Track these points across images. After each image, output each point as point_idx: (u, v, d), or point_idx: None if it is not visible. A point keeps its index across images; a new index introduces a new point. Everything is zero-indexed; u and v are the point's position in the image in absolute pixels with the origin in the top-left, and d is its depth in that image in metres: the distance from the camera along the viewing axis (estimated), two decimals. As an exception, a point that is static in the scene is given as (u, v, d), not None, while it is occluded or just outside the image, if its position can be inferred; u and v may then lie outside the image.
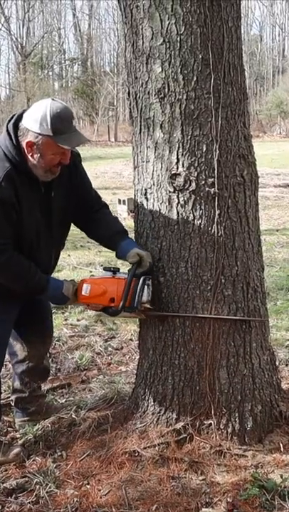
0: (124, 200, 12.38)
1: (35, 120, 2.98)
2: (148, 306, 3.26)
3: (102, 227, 3.48)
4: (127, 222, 9.99)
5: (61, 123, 2.98)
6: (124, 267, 3.43)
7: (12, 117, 3.11)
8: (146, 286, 3.21)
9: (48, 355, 4.42)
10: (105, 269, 3.36)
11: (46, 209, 3.22)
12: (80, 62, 59.75)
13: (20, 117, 3.08)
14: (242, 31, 3.35)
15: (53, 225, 3.29)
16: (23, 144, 3.03)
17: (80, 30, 63.72)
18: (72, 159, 3.21)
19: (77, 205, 3.39)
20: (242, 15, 3.39)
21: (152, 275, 3.29)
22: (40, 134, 2.98)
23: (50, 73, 60.26)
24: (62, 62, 60.77)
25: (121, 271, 3.32)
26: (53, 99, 3.05)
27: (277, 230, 11.20)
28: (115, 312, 3.23)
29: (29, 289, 3.25)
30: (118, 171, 23.25)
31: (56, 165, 3.10)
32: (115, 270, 3.30)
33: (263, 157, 23.84)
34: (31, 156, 3.04)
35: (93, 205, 3.49)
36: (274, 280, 7.44)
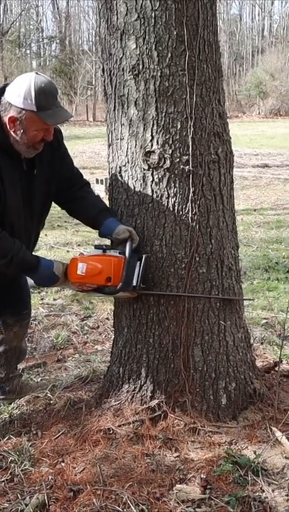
0: (101, 180, 12.35)
1: (18, 95, 2.90)
2: (142, 284, 3.23)
3: (86, 205, 3.43)
4: (105, 201, 9.98)
5: (46, 98, 2.91)
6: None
7: None
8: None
9: (26, 336, 4.41)
10: (96, 246, 3.27)
11: (28, 187, 3.16)
12: (58, 41, 59.13)
13: (1, 91, 3.00)
14: (221, 10, 3.35)
15: (35, 204, 3.23)
16: (5, 120, 2.96)
17: (58, 8, 62.89)
18: (55, 135, 3.15)
19: (60, 183, 3.34)
20: (219, -8, 3.35)
21: (148, 254, 3.25)
22: (23, 109, 2.90)
23: (28, 52, 59.61)
24: (40, 40, 60.12)
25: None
26: (37, 73, 2.96)
27: (255, 210, 11.23)
28: (113, 292, 3.17)
29: (15, 267, 3.11)
30: (96, 151, 23.13)
31: (39, 141, 3.03)
32: (107, 248, 3.22)
33: (241, 137, 23.99)
34: (14, 131, 2.96)
35: (75, 183, 3.45)
36: (251, 259, 7.48)
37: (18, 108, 2.91)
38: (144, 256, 3.18)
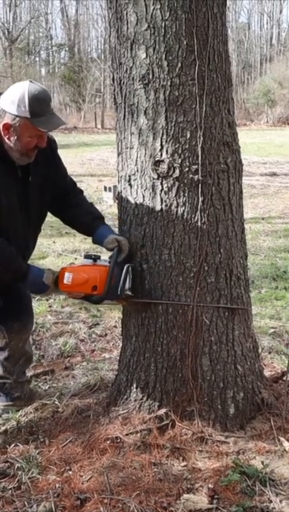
0: (110, 188, 12.35)
1: (12, 102, 2.97)
2: (129, 293, 3.28)
3: (81, 213, 3.53)
4: (113, 209, 9.97)
5: (39, 105, 2.98)
6: (103, 255, 3.44)
7: None
8: (128, 274, 3.24)
9: (32, 341, 4.41)
10: (86, 256, 3.36)
11: (24, 194, 3.22)
12: (67, 48, 59.42)
13: None
14: (230, 19, 3.36)
15: (31, 210, 3.30)
16: (0, 126, 3.02)
17: (67, 16, 63.31)
18: (49, 144, 3.21)
19: (54, 191, 3.41)
20: (230, 2, 3.39)
21: (133, 262, 3.31)
22: (17, 116, 2.98)
23: (37, 59, 60.04)
24: (49, 47, 60.43)
25: (102, 258, 3.32)
26: (31, 82, 3.05)
27: (263, 219, 11.20)
28: (98, 300, 3.25)
29: (10, 275, 3.22)
30: (104, 158, 23.14)
31: (32, 148, 3.11)
32: (96, 258, 3.29)
33: (249, 145, 23.98)
34: (8, 138, 3.04)
35: (69, 191, 3.54)
36: (259, 268, 7.46)
37: (12, 115, 2.99)
38: (125, 266, 3.23)
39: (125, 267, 3.23)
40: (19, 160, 3.12)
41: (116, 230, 3.54)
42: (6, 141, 3.04)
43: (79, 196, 3.58)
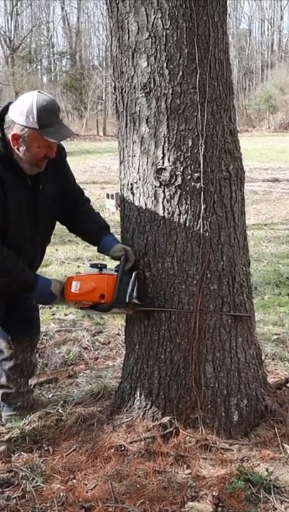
0: (112, 195, 12.36)
1: (21, 113, 2.96)
2: (136, 301, 3.28)
3: (88, 221, 3.52)
4: (115, 216, 9.97)
5: (48, 116, 2.97)
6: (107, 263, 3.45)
7: None
8: (135, 282, 3.25)
9: (36, 350, 4.41)
10: (92, 265, 3.36)
11: (33, 203, 3.21)
12: (68, 56, 59.62)
13: (6, 109, 3.07)
14: (231, 25, 3.37)
15: (40, 219, 3.28)
16: (9, 137, 3.02)
17: (68, 24, 63.57)
18: (58, 152, 3.20)
19: (63, 199, 3.39)
20: (231, 9, 3.41)
21: (139, 270, 3.31)
22: (26, 127, 2.96)
23: (39, 67, 60.21)
24: (51, 55, 60.61)
25: (107, 267, 3.33)
26: (39, 92, 3.03)
27: (265, 225, 11.20)
28: (107, 308, 3.24)
29: (17, 286, 3.20)
30: (107, 165, 23.18)
31: (42, 158, 3.09)
32: (102, 267, 3.30)
33: (251, 151, 24.01)
34: (17, 148, 3.02)
35: (77, 199, 3.52)
36: (261, 275, 7.46)
37: (20, 126, 2.98)
38: (134, 273, 3.25)
39: (133, 275, 3.24)
40: (29, 170, 3.11)
41: (118, 237, 3.55)
42: (16, 151, 3.03)
43: (86, 205, 3.58)
